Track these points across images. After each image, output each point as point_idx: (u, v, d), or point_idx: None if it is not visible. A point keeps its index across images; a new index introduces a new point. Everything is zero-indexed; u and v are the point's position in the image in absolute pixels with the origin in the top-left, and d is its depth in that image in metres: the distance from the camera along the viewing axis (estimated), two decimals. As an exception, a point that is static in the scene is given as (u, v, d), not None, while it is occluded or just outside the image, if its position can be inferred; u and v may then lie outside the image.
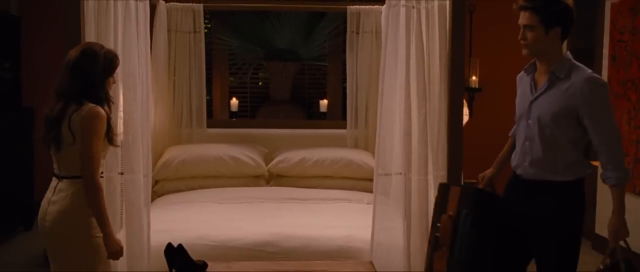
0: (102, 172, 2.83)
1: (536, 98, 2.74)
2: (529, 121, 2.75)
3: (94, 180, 2.65)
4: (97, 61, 2.73)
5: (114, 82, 2.90)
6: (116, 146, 2.87)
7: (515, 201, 2.81)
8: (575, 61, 2.69)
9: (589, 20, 6.53)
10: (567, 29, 2.68)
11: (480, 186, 3.04)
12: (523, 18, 2.66)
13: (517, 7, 2.68)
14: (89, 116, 2.67)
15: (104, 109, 2.74)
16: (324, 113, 6.28)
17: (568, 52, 2.72)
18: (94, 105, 2.70)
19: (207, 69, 5.29)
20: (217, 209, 4.14)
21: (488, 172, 3.08)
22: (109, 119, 2.76)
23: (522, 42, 2.71)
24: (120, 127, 3.32)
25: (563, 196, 2.68)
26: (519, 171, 2.82)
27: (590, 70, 2.66)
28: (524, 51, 2.73)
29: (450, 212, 2.85)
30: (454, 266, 2.82)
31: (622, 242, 2.70)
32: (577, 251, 2.74)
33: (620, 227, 2.64)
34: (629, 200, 4.78)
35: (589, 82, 2.59)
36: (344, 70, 5.49)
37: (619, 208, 2.62)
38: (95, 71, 2.72)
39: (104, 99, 2.77)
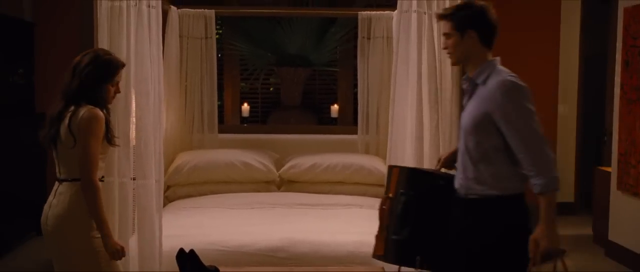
0: (102, 177, 2.82)
1: (464, 108, 2.66)
2: (461, 133, 2.66)
3: (91, 181, 2.64)
4: (95, 64, 2.73)
5: (118, 92, 2.86)
6: (115, 145, 2.85)
7: (454, 217, 2.66)
8: (499, 66, 2.56)
9: (601, 25, 6.51)
10: (486, 33, 2.58)
11: (436, 167, 2.95)
12: (442, 27, 2.66)
13: (436, 18, 2.68)
14: (86, 117, 2.66)
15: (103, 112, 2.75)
16: (334, 118, 6.28)
17: (496, 58, 2.60)
18: (92, 106, 2.69)
19: (218, 74, 5.31)
20: (228, 215, 4.14)
21: (446, 152, 3.00)
22: (107, 121, 2.76)
23: (446, 51, 2.66)
24: (132, 132, 3.34)
25: (491, 214, 2.50)
26: (456, 185, 2.67)
27: (509, 75, 2.50)
28: (450, 60, 2.67)
29: (390, 193, 2.81)
30: (390, 246, 2.78)
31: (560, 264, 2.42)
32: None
33: (544, 238, 2.38)
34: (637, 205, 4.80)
35: (501, 85, 2.46)
36: (355, 75, 5.50)
37: (546, 217, 2.38)
38: (92, 73, 2.71)
39: (101, 103, 2.76)
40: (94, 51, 2.82)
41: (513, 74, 2.52)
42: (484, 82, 2.54)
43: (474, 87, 2.59)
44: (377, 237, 2.87)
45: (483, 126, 2.51)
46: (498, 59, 2.61)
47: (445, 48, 2.66)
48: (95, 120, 2.67)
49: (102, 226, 2.68)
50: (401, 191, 2.78)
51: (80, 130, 2.66)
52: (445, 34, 2.63)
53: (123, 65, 2.86)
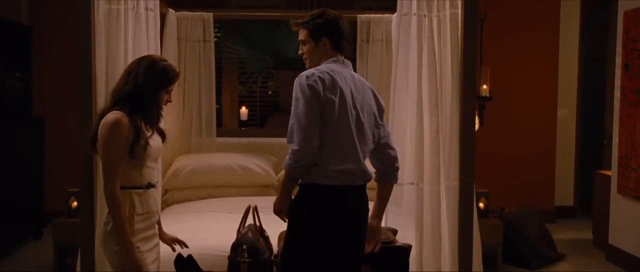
0: (147, 183, 2.73)
1: None
2: None
3: (107, 190, 2.57)
4: (152, 70, 2.66)
5: (170, 101, 2.79)
6: (134, 156, 2.65)
7: None
8: (328, 63, 2.71)
9: (600, 28, 6.50)
10: (336, 39, 2.74)
11: None
12: (299, 34, 2.79)
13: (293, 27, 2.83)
14: (106, 122, 2.59)
15: (144, 124, 2.66)
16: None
17: (336, 59, 2.74)
18: (116, 112, 2.61)
19: (216, 78, 5.28)
20: (226, 219, 4.09)
21: None
22: (140, 130, 2.64)
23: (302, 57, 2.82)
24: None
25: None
26: None
27: (315, 68, 2.68)
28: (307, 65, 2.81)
29: None
30: None
31: None
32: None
33: (277, 202, 2.73)
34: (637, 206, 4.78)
35: None
36: (354, 79, 5.47)
37: (282, 185, 2.73)
38: (149, 80, 2.65)
39: (151, 110, 2.69)
40: (151, 57, 2.77)
41: (318, 68, 2.67)
42: None
43: None
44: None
45: None
46: (339, 59, 2.74)
47: (301, 54, 2.80)
48: (114, 125, 2.58)
49: (120, 236, 2.59)
50: None
51: (100, 136, 2.61)
52: (301, 41, 2.77)
53: (178, 73, 2.79)
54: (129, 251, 2.60)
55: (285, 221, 2.71)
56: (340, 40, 2.76)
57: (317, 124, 2.57)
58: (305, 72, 2.65)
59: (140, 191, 2.70)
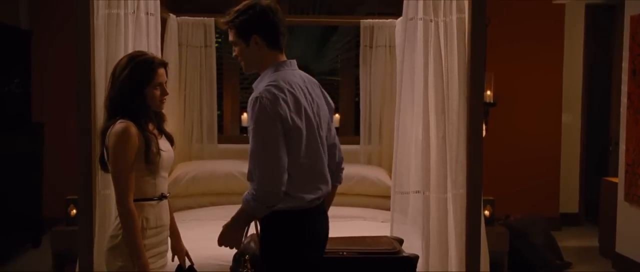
0: (161, 194, 2.60)
1: None
2: None
3: (120, 204, 2.45)
4: (130, 67, 2.49)
5: (166, 94, 2.58)
6: (151, 163, 2.52)
7: None
8: (276, 72, 2.39)
9: (605, 33, 6.44)
10: (268, 35, 2.39)
11: None
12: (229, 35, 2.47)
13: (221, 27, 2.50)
14: (113, 133, 2.46)
15: (139, 125, 2.49)
16: (336, 128, 6.18)
17: (281, 62, 2.42)
18: (123, 120, 2.47)
19: (218, 83, 5.23)
20: (228, 227, 4.04)
21: None
22: (147, 135, 2.51)
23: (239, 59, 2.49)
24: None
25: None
26: None
27: (268, 83, 2.33)
28: (244, 68, 2.51)
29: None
30: None
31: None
32: None
33: (226, 234, 2.47)
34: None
35: (251, 99, 2.33)
36: (357, 84, 5.43)
37: (233, 217, 2.44)
38: (129, 78, 2.48)
39: (138, 112, 2.51)
40: (128, 55, 2.59)
41: (273, 83, 2.33)
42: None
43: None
44: None
45: None
46: (284, 62, 2.42)
47: (236, 56, 2.48)
48: (122, 134, 2.44)
49: (136, 256, 2.46)
50: None
51: (109, 146, 2.47)
52: (232, 42, 2.44)
53: (163, 63, 2.58)
54: (142, 269, 2.47)
55: (231, 249, 2.51)
56: (274, 36, 2.39)
57: (285, 159, 2.29)
58: (265, 93, 2.29)
59: (153, 202, 2.58)
